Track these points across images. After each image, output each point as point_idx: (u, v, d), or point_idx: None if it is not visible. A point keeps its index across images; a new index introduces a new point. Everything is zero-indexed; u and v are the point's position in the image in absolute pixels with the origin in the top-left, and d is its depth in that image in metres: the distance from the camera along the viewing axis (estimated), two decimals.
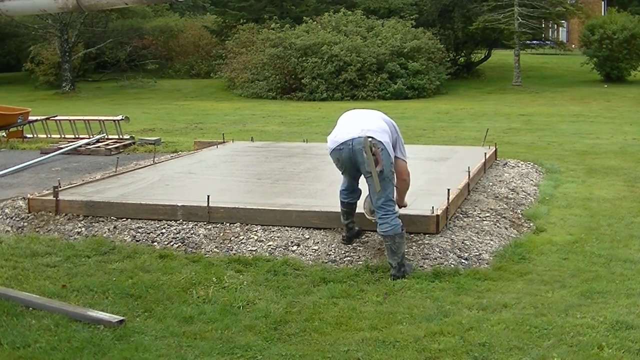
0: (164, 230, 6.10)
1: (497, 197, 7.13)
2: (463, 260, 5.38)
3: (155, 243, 5.95)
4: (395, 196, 5.28)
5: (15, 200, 7.15)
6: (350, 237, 5.68)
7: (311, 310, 4.48)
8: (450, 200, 6.06)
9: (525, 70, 26.83)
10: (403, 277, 5.03)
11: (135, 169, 8.46)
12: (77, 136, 12.70)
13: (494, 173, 8.42)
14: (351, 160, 5.17)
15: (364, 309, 4.48)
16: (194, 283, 4.97)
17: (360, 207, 5.63)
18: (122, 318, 4.28)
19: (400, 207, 5.49)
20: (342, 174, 5.51)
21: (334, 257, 5.50)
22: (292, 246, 5.68)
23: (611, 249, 5.74)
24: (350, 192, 5.53)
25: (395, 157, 5.27)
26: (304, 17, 25.60)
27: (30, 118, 13.22)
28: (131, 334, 4.12)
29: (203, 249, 5.77)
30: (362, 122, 5.24)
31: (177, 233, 6.05)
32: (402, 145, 5.43)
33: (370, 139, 5.03)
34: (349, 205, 5.58)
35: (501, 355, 3.81)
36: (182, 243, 5.90)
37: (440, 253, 5.44)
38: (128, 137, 12.38)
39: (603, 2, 36.47)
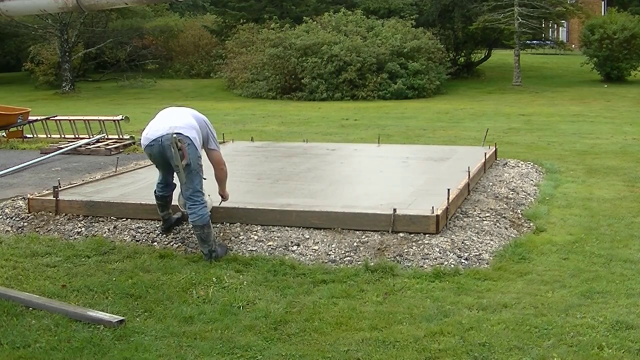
0: None
1: (497, 197, 7.13)
2: (463, 260, 5.38)
3: (155, 243, 5.96)
4: (203, 188, 5.63)
5: (15, 200, 7.16)
6: (168, 227, 6.04)
7: (311, 310, 4.48)
8: (450, 200, 6.06)
9: (525, 70, 26.82)
10: (216, 261, 5.39)
11: (135, 169, 8.46)
12: (77, 136, 12.70)
13: (494, 173, 8.42)
14: (162, 155, 5.56)
15: (364, 309, 4.48)
16: (194, 283, 4.98)
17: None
18: (122, 318, 4.28)
19: (223, 198, 5.96)
20: (157, 168, 5.87)
21: (334, 257, 5.50)
22: (292, 246, 5.68)
23: (611, 249, 5.74)
24: (165, 186, 5.92)
25: (210, 149, 5.78)
26: (304, 17, 25.58)
27: (30, 118, 13.22)
28: (131, 334, 4.12)
29: None
30: (171, 119, 5.63)
31: (177, 233, 6.05)
32: (215, 139, 5.88)
33: (175, 135, 5.39)
34: (162, 198, 5.96)
35: (501, 355, 3.81)
36: (182, 243, 5.91)
37: (440, 253, 5.44)
38: (128, 137, 12.38)
39: (603, 2, 36.45)
